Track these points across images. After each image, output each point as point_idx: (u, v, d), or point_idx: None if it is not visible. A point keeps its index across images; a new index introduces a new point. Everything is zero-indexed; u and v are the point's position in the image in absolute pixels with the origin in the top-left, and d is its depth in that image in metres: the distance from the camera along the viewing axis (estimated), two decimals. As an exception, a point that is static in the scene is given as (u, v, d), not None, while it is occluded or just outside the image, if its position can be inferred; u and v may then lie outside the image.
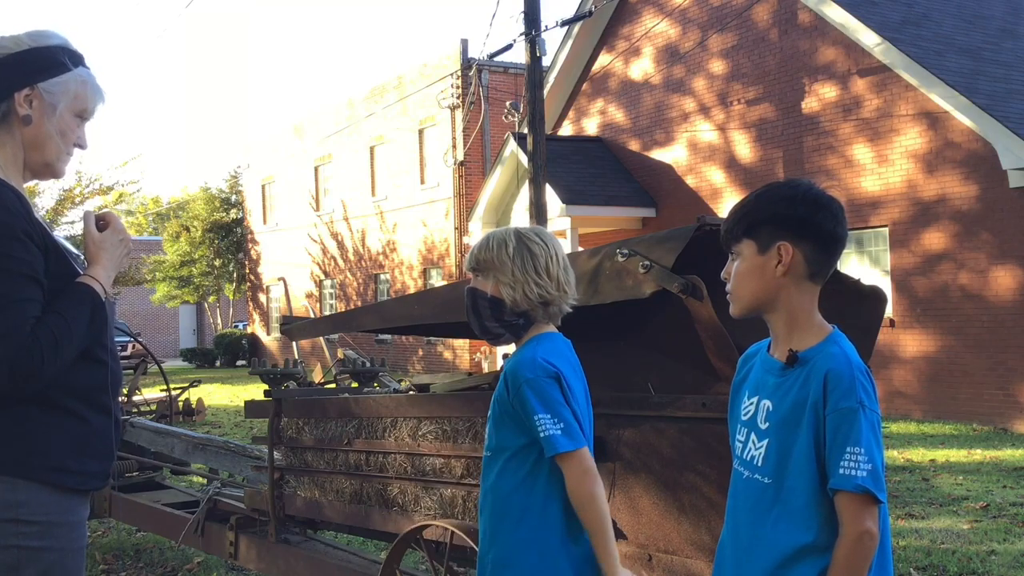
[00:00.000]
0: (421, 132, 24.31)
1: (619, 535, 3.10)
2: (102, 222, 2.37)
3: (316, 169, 29.03)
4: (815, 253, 1.97)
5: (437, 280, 23.61)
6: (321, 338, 12.53)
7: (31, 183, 2.47)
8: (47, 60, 2.24)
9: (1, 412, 2.14)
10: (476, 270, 2.49)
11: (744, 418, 2.06)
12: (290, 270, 29.17)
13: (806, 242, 1.96)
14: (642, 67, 17.35)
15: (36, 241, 2.17)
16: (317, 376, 6.90)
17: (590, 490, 2.29)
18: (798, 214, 1.97)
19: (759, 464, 1.98)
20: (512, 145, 17.10)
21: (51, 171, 2.33)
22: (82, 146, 2.35)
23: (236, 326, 37.23)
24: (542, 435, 2.27)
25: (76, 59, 2.30)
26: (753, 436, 2.01)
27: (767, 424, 1.98)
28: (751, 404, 2.05)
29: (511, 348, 2.55)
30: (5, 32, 2.31)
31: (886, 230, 13.22)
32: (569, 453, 2.27)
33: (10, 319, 2.08)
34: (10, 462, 2.14)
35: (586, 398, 2.47)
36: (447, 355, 23.31)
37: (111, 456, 2.34)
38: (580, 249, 11.14)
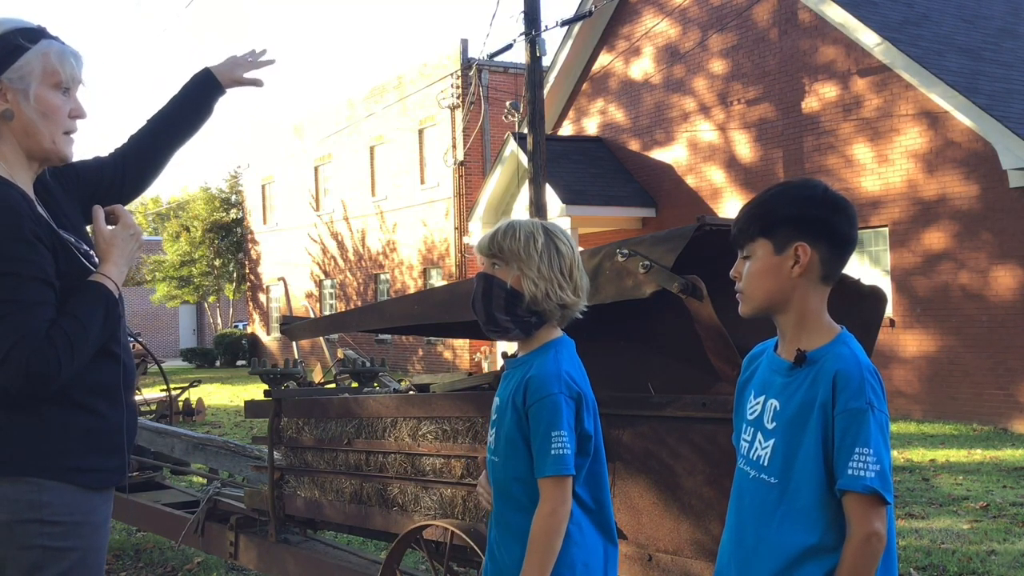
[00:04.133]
0: (421, 132, 24.30)
1: (619, 535, 3.10)
2: (111, 216, 2.34)
3: (316, 169, 29.02)
4: (830, 255, 1.96)
5: (437, 280, 23.60)
6: (321, 338, 12.52)
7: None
8: (2, 49, 2.21)
9: (20, 412, 2.14)
10: (496, 257, 2.32)
11: (750, 417, 2.04)
12: (290, 270, 29.16)
13: (823, 244, 1.94)
14: (642, 67, 17.34)
15: (44, 241, 2.15)
16: (317, 376, 6.90)
17: (558, 525, 2.18)
18: (817, 216, 1.95)
19: (765, 464, 1.96)
20: (512, 145, 17.09)
21: (54, 155, 2.28)
22: (80, 116, 2.30)
23: (236, 326, 37.21)
24: (552, 452, 2.17)
25: (33, 35, 2.24)
26: (759, 435, 1.99)
27: (774, 424, 1.96)
28: (757, 403, 2.03)
29: (510, 346, 2.49)
30: None
31: (886, 230, 13.21)
32: (564, 478, 2.19)
33: (25, 324, 2.07)
34: (33, 463, 2.15)
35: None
36: (447, 355, 23.31)
37: (128, 451, 2.34)
38: (580, 249, 11.13)
